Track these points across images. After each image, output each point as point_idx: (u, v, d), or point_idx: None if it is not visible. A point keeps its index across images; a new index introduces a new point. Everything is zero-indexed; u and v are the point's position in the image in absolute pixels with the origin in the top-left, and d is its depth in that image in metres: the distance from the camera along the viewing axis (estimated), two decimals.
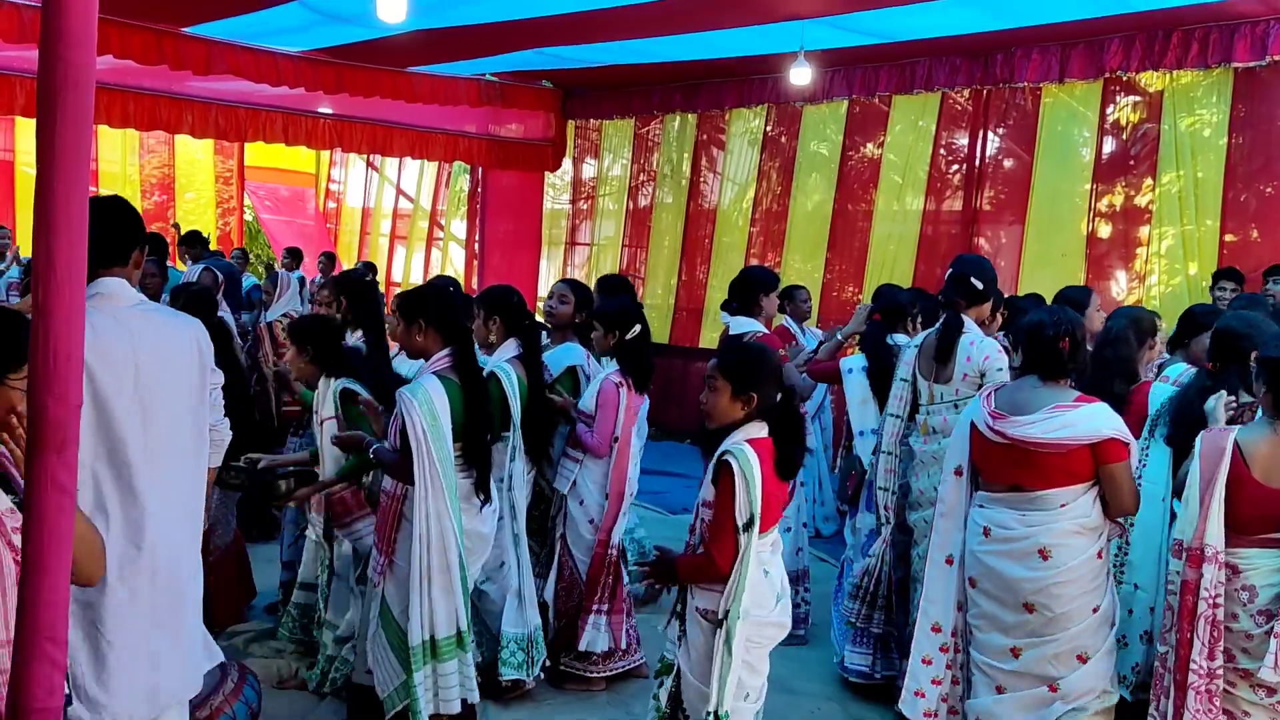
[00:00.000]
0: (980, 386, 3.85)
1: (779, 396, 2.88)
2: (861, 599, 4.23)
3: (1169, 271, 7.18)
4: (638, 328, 4.33)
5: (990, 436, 3.25)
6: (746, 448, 2.80)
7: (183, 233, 10.09)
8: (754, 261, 9.76)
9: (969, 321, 4.01)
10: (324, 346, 4.12)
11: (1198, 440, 3.09)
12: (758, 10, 6.78)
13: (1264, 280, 6.13)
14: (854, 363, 4.68)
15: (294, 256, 11.08)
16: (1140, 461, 3.82)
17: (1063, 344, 3.22)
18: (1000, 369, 3.91)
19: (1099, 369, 3.79)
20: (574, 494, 4.27)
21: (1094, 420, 3.14)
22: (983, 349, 3.96)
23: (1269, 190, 6.80)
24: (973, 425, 3.36)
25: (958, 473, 3.46)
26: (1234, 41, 6.52)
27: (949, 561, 3.46)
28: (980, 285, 4.04)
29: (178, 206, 14.46)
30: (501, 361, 4.17)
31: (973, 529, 3.36)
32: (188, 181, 14.66)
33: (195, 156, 14.40)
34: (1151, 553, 3.75)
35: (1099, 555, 3.21)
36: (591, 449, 4.20)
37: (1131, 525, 3.90)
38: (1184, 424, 3.44)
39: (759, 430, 2.86)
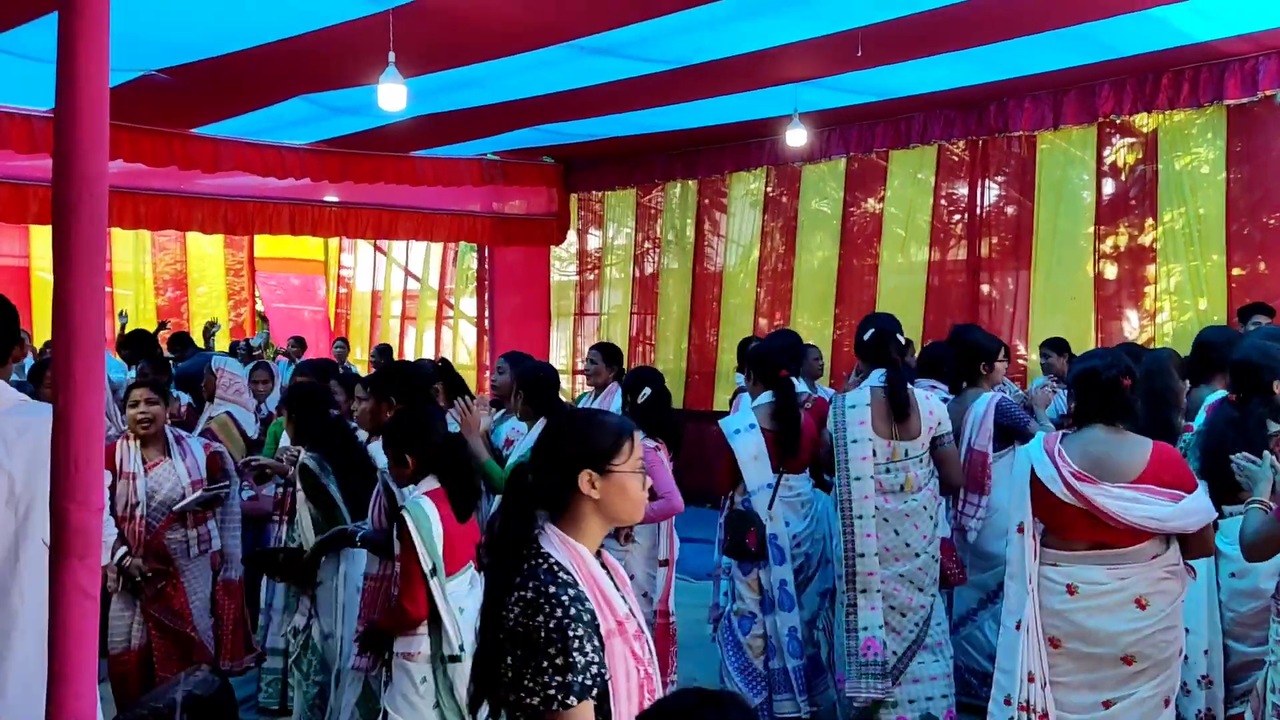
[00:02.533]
0: (934, 440, 4.16)
1: (441, 450, 3.28)
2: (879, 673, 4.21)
3: (1179, 308, 7.17)
4: (648, 390, 4.36)
5: (1066, 497, 3.08)
6: (422, 500, 3.18)
7: (171, 330, 10.19)
8: (761, 322, 9.79)
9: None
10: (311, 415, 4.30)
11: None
12: (750, 76, 6.90)
13: (1240, 319, 6.03)
14: (740, 422, 4.68)
15: (299, 345, 11.20)
16: None
17: (1125, 383, 3.12)
18: (949, 430, 4.22)
19: (1151, 402, 3.72)
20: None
21: (1188, 517, 3.03)
22: (933, 403, 4.23)
23: (1271, 222, 6.82)
24: (1035, 480, 3.17)
25: (1020, 530, 3.25)
26: (1224, 79, 6.60)
27: (1018, 627, 3.22)
28: (905, 339, 4.44)
29: (190, 301, 14.65)
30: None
31: (1050, 588, 3.14)
32: (200, 276, 14.87)
33: (206, 251, 14.62)
34: (1200, 595, 3.67)
35: (1182, 597, 3.15)
36: (665, 512, 4.12)
37: None
38: (1216, 456, 3.37)
39: (431, 483, 3.26)
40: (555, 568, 1.86)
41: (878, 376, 4.25)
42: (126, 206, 8.69)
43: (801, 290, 9.50)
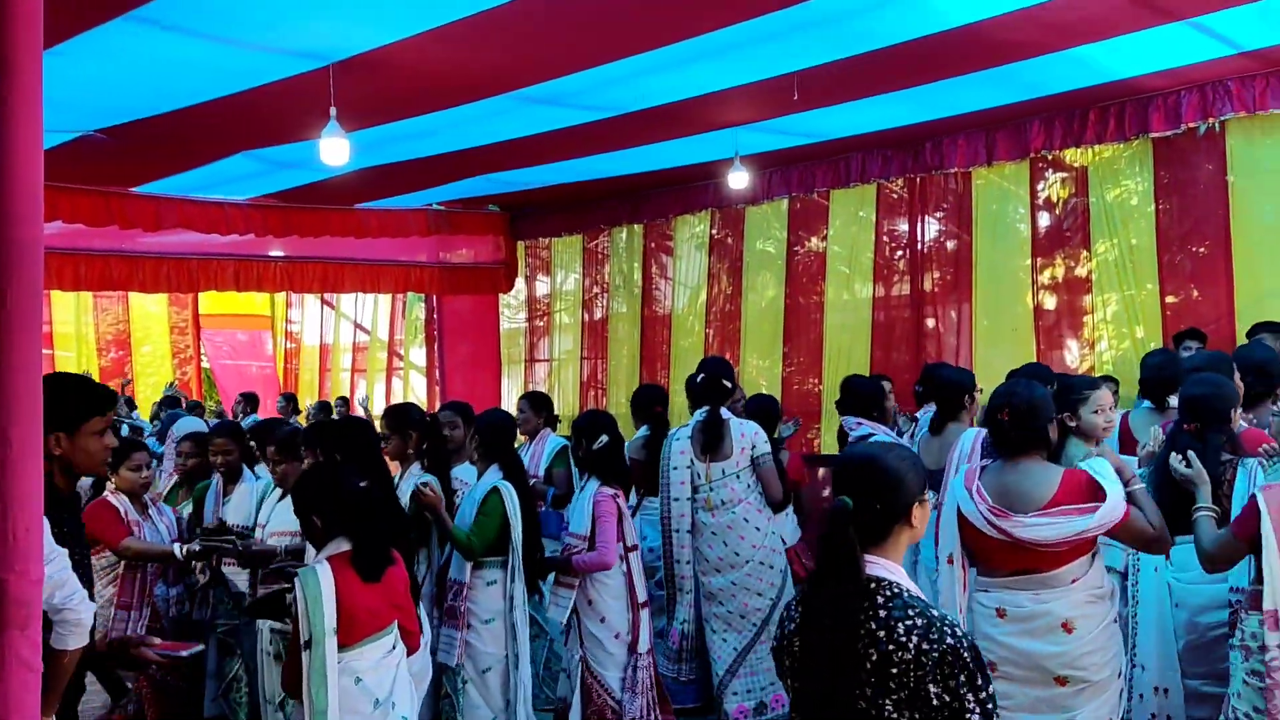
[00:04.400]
0: (751, 460, 4.92)
1: (349, 509, 3.16)
2: (678, 658, 5.12)
3: (1117, 336, 7.34)
4: (605, 438, 4.42)
5: (989, 532, 3.14)
6: (317, 568, 3.07)
7: (126, 390, 10.04)
8: None
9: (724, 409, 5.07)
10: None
11: (1260, 500, 2.98)
12: (692, 121, 7.01)
13: (1175, 345, 6.27)
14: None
15: (249, 401, 11.02)
16: None
17: (1001, 416, 3.22)
18: (765, 441, 5.00)
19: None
20: (592, 613, 4.34)
21: (1106, 515, 3.08)
22: (746, 428, 4.98)
23: (1201, 251, 7.04)
24: (961, 515, 3.27)
25: (950, 561, 3.35)
26: (1149, 113, 6.83)
27: None
28: (730, 384, 5.09)
29: (135, 361, 14.38)
30: (497, 480, 4.27)
31: (982, 613, 3.23)
32: (143, 335, 14.62)
33: (150, 310, 14.39)
34: (1152, 629, 3.73)
35: (1115, 619, 3.19)
36: (596, 564, 4.29)
37: (1137, 601, 3.91)
38: (1176, 487, 3.42)
39: (339, 546, 3.15)
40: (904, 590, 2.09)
41: (701, 413, 5.03)
42: (66, 268, 8.54)
43: (750, 330, 9.58)
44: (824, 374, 8.86)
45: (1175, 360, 5.07)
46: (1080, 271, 7.63)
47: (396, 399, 13.85)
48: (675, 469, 5.00)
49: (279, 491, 4.52)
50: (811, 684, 2.08)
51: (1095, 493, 3.13)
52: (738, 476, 4.94)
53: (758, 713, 5.02)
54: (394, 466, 4.77)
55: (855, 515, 2.07)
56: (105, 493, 4.59)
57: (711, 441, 4.93)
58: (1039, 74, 6.18)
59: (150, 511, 4.65)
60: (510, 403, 11.84)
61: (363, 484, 3.28)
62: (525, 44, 5.31)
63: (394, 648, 3.19)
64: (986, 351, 7.89)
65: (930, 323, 8.47)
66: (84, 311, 14.00)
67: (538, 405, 6.00)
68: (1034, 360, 7.10)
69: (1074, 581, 3.11)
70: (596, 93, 6.18)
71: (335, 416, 9.97)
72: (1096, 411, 3.84)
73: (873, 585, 2.06)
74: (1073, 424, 3.88)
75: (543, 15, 4.85)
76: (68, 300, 13.46)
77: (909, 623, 1.99)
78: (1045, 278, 7.83)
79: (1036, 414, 3.20)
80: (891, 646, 1.98)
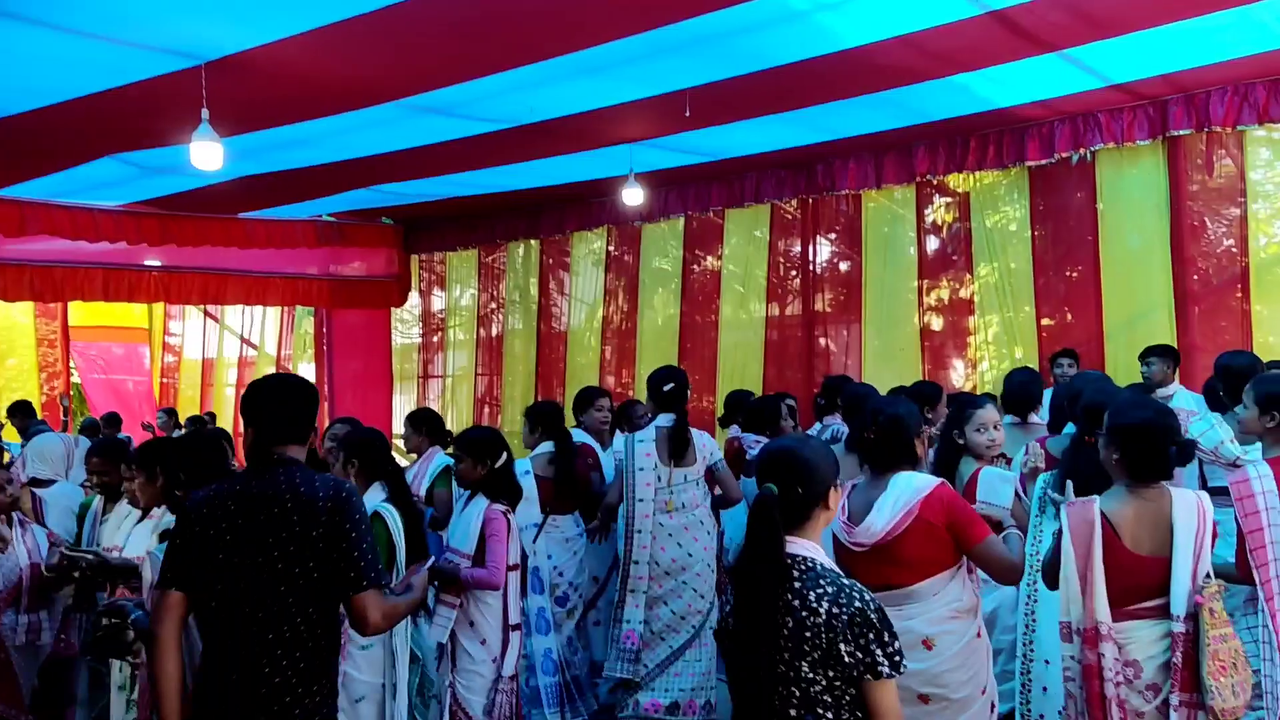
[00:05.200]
0: (709, 467, 5.16)
1: None
2: (635, 659, 5.12)
3: (997, 357, 7.56)
4: (505, 455, 4.32)
5: (849, 545, 3.19)
6: None
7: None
8: (608, 380, 9.80)
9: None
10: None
11: (1063, 514, 3.04)
12: (587, 136, 6.97)
13: (1050, 364, 6.53)
14: (519, 468, 5.06)
15: (111, 424, 10.48)
16: (1035, 539, 3.92)
17: (868, 434, 3.25)
18: (718, 449, 5.25)
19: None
20: (471, 635, 4.19)
21: (909, 482, 3.13)
22: (703, 439, 5.20)
23: (1074, 275, 7.30)
24: (834, 534, 3.27)
25: None
26: (1025, 143, 7.07)
27: None
28: (672, 386, 5.20)
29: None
30: (379, 504, 4.08)
31: None
32: (9, 348, 13.81)
33: (16, 320, 13.60)
34: (1054, 625, 3.79)
35: (979, 635, 3.20)
36: (485, 583, 4.14)
37: (1035, 601, 3.97)
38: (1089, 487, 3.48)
39: None
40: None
41: (666, 419, 5.17)
42: None
43: (646, 347, 9.57)
44: (718, 391, 8.89)
45: (1038, 378, 5.29)
46: (964, 294, 7.84)
47: None
48: (641, 470, 5.14)
49: (137, 512, 4.27)
50: (741, 655, 2.28)
51: (954, 505, 3.18)
52: (697, 483, 5.18)
53: (670, 711, 5.09)
54: None
55: (779, 500, 2.30)
56: None
57: (679, 448, 5.13)
58: (923, 100, 6.33)
59: (15, 531, 4.30)
60: (401, 419, 11.60)
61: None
62: (410, 51, 5.19)
63: None
64: (877, 371, 8.03)
65: (822, 342, 8.60)
66: None
67: (417, 423, 5.85)
68: (922, 379, 7.25)
69: (935, 596, 3.12)
70: (487, 103, 6.09)
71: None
72: (979, 429, 3.93)
73: (790, 562, 2.30)
74: (960, 441, 3.97)
75: (427, 21, 4.74)
76: None
77: (819, 590, 2.23)
78: (932, 299, 8.03)
79: (901, 429, 3.23)
80: (805, 613, 2.21)
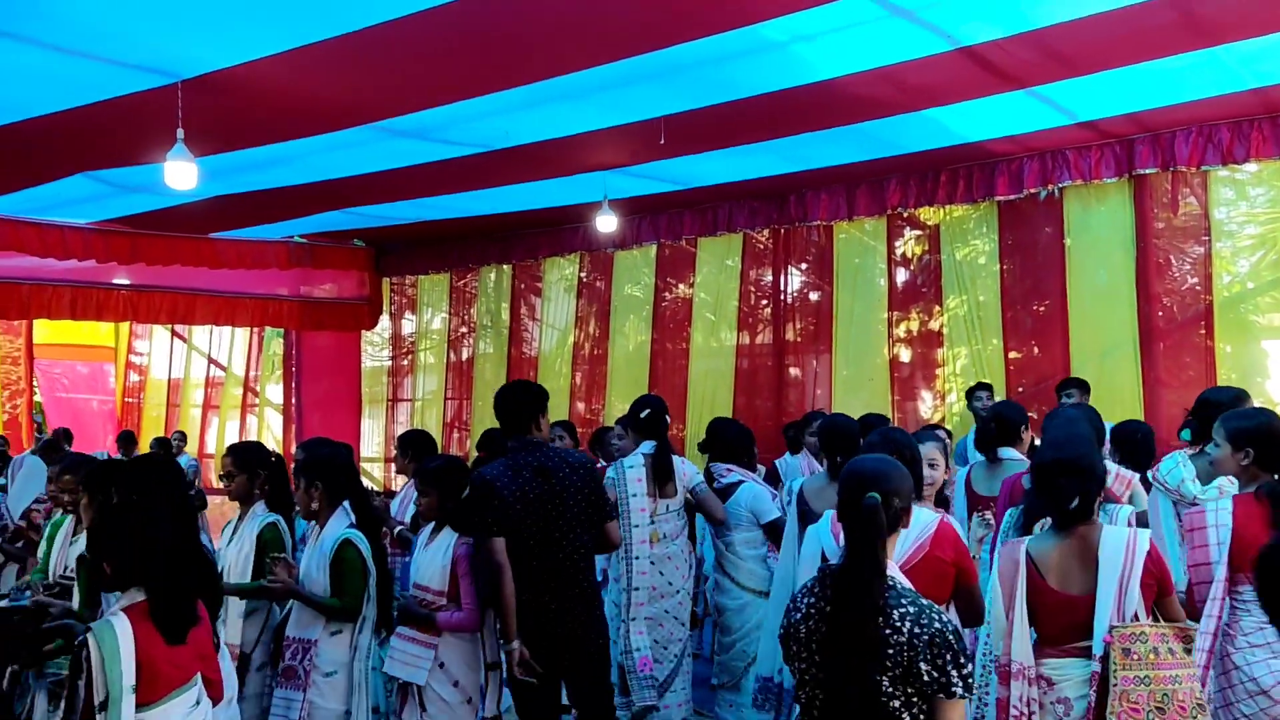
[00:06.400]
0: (690, 491, 5.12)
1: (144, 560, 2.85)
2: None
3: (965, 389, 7.62)
4: (469, 485, 4.18)
5: None
6: (113, 621, 2.77)
7: None
8: (579, 406, 9.78)
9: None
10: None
11: (996, 554, 3.10)
12: (560, 162, 7.00)
13: (1058, 395, 6.53)
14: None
15: (64, 438, 10.33)
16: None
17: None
18: (697, 473, 5.19)
19: None
20: (443, 677, 3.95)
21: (917, 516, 3.09)
22: (685, 467, 5.17)
23: (1041, 309, 7.40)
24: (824, 556, 3.31)
25: None
26: (995, 178, 7.19)
27: None
28: (648, 411, 5.16)
29: None
30: (346, 530, 4.01)
31: None
32: None
33: None
34: None
35: None
36: (464, 625, 3.94)
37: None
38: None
39: (134, 596, 2.86)
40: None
41: (648, 446, 5.09)
42: None
43: (616, 373, 9.57)
44: (688, 419, 8.90)
45: (1017, 413, 5.26)
46: (933, 325, 7.92)
47: (252, 437, 13.24)
48: (635, 496, 5.08)
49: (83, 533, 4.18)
50: (826, 665, 2.35)
51: (959, 542, 3.22)
52: (679, 513, 5.16)
53: None
54: (233, 507, 4.50)
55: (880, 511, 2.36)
56: None
57: (663, 477, 5.09)
58: (894, 133, 6.42)
59: None
60: (371, 443, 11.50)
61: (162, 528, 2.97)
62: (385, 74, 5.20)
63: (198, 702, 2.92)
64: (846, 400, 8.06)
65: (793, 371, 8.64)
66: None
67: (405, 446, 5.70)
68: (878, 411, 7.22)
69: None
70: (462, 128, 6.10)
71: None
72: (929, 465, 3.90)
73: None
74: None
75: (404, 44, 4.75)
76: None
77: (902, 609, 2.30)
78: (901, 331, 8.10)
79: (914, 462, 3.27)
80: (888, 630, 2.29)
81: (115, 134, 5.94)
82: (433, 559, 4.05)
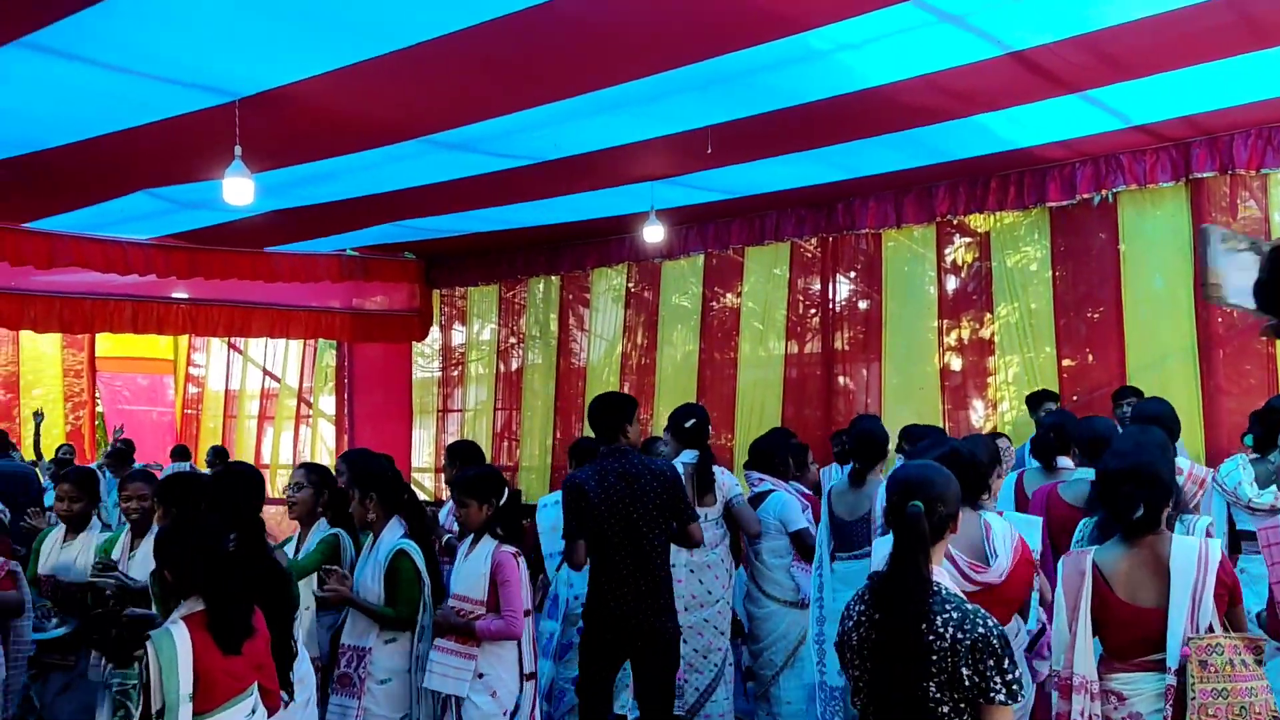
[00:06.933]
0: (726, 503, 5.19)
1: (206, 570, 2.94)
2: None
3: (1018, 398, 7.51)
4: (506, 493, 4.22)
5: (966, 588, 3.14)
6: (172, 630, 2.84)
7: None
8: None
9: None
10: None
11: (1059, 564, 3.06)
12: (608, 173, 7.04)
13: (1114, 404, 6.40)
14: (550, 498, 5.74)
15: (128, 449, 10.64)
16: None
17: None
18: (735, 484, 5.31)
19: None
20: (480, 687, 3.91)
21: (1001, 522, 3.23)
22: (725, 477, 5.29)
23: (1095, 316, 7.28)
24: None
25: None
26: (1046, 183, 7.08)
27: None
28: (693, 422, 5.32)
29: (24, 404, 13.75)
30: (401, 540, 4.07)
31: None
32: (35, 378, 14.01)
33: (43, 351, 13.82)
34: None
35: None
36: (505, 634, 3.93)
37: None
38: None
39: (195, 604, 2.93)
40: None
41: (690, 455, 5.20)
42: None
43: (664, 384, 9.58)
44: (736, 429, 8.88)
45: (1069, 420, 5.17)
46: (984, 334, 7.82)
47: (305, 449, 13.46)
48: None
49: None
50: (875, 672, 2.37)
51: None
52: (716, 522, 5.20)
53: None
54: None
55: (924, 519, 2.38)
56: None
57: (704, 486, 5.18)
58: (943, 140, 6.37)
59: None
60: (421, 454, 11.62)
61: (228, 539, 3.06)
62: (437, 87, 5.28)
63: (254, 711, 3.00)
64: (896, 410, 7.99)
65: (841, 380, 8.58)
66: None
67: (454, 456, 5.79)
68: (933, 423, 7.15)
69: (1015, 637, 3.14)
70: (511, 140, 6.16)
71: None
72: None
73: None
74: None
75: (454, 58, 4.82)
76: None
77: (945, 615, 2.31)
78: (951, 339, 8.01)
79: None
80: (931, 637, 2.30)
81: (175, 152, 6.09)
82: (473, 569, 4.03)
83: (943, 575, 2.45)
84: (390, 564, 4.05)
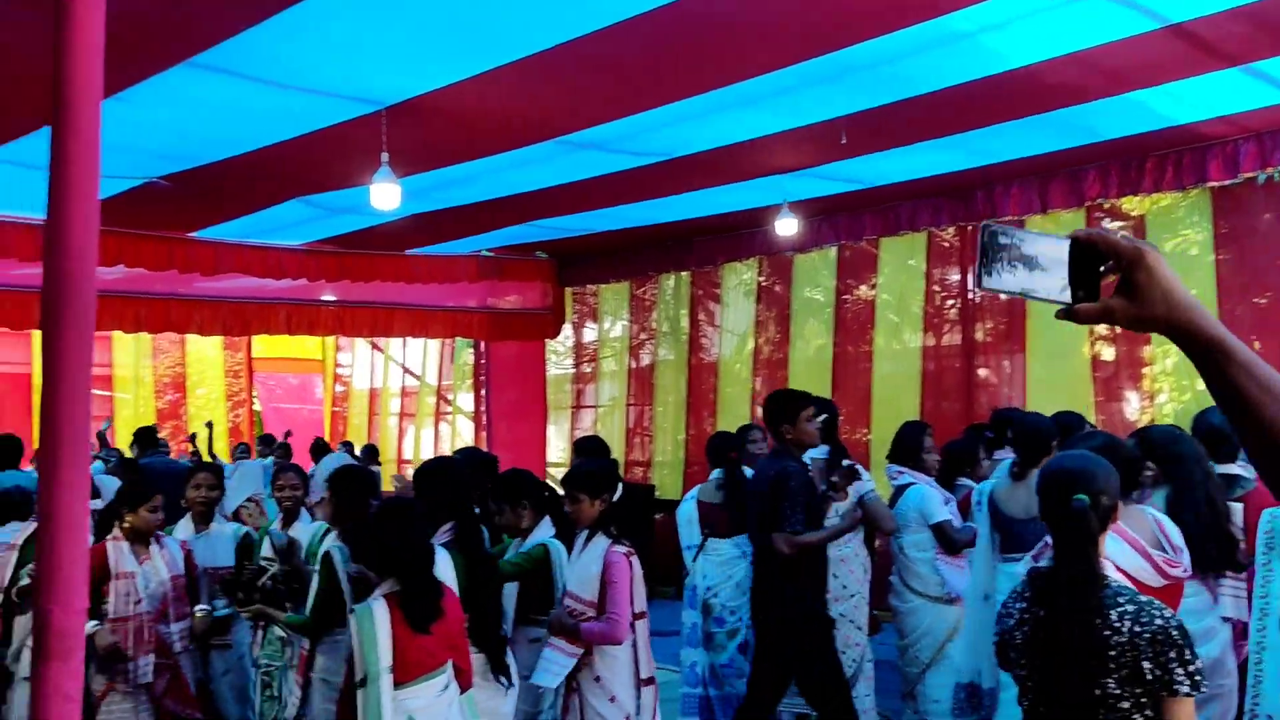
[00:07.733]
0: (860, 498, 5.08)
1: (401, 556, 3.21)
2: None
3: (1178, 389, 7.16)
4: (620, 487, 4.03)
5: (1155, 583, 3.10)
6: (373, 605, 3.12)
7: (205, 430, 10.40)
8: (759, 411, 9.76)
9: None
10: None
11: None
12: (738, 167, 7.02)
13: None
14: (693, 492, 5.96)
15: (266, 443, 11.28)
16: (1264, 580, 3.70)
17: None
18: (871, 487, 5.20)
19: None
20: (598, 691, 3.78)
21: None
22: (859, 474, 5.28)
23: (1262, 301, 6.86)
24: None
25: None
26: (1207, 162, 6.69)
27: None
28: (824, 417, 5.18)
29: (189, 403, 14.66)
30: (548, 538, 4.18)
31: None
32: (199, 378, 14.92)
33: (206, 353, 14.71)
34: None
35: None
36: (605, 638, 3.74)
37: (1265, 649, 3.74)
38: None
39: (390, 586, 3.19)
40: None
41: (820, 451, 5.27)
42: (127, 311, 8.75)
43: (797, 378, 9.49)
44: (872, 423, 8.73)
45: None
46: None
47: (444, 445, 13.91)
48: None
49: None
50: (1047, 670, 2.32)
51: None
52: (848, 516, 5.18)
53: None
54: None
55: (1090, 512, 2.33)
56: (108, 536, 4.53)
57: (839, 480, 5.14)
58: (1093, 119, 6.10)
59: (152, 549, 4.61)
60: (555, 449, 11.85)
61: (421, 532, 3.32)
62: (572, 89, 5.37)
63: (447, 687, 3.19)
64: (1041, 403, 7.67)
65: (982, 373, 8.34)
66: (143, 354, 14.35)
67: (578, 452, 5.93)
68: (1090, 411, 6.91)
69: None
70: (643, 138, 6.22)
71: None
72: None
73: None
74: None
75: (589, 60, 4.89)
76: (127, 343, 13.79)
77: (1120, 609, 2.27)
78: (1103, 328, 7.66)
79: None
80: (1107, 631, 2.25)
81: (326, 160, 6.38)
82: (585, 567, 3.87)
83: (1111, 568, 2.39)
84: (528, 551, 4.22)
